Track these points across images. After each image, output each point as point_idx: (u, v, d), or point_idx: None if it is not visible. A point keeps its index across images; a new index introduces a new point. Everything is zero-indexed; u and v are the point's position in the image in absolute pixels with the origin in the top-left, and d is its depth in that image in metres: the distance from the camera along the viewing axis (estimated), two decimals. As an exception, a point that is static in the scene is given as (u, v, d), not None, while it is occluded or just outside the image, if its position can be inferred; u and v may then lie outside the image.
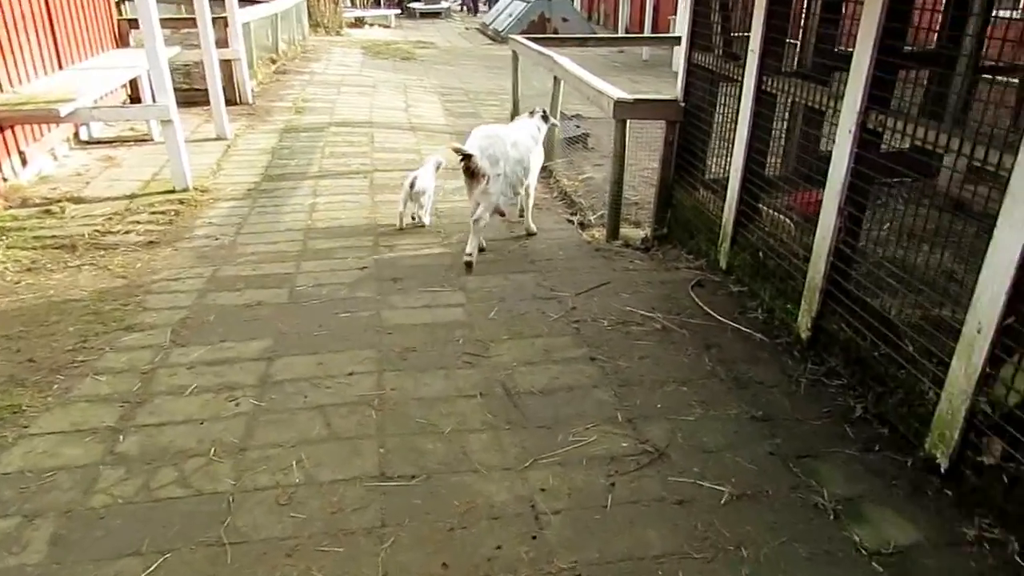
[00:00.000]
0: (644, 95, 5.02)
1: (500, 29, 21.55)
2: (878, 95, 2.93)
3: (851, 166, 3.05)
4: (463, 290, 4.22)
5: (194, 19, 8.09)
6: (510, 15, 21.98)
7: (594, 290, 4.19)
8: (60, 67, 7.18)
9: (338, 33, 20.42)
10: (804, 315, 3.42)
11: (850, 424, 2.89)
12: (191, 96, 9.59)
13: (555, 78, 7.22)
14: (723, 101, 4.53)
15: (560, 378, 3.22)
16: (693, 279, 4.32)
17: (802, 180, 4.12)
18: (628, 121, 5.03)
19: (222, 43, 9.26)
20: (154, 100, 6.17)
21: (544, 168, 7.17)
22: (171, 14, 12.44)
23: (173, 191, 6.20)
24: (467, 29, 24.60)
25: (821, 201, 4.50)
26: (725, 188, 4.42)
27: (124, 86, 8.83)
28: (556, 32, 19.97)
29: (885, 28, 2.83)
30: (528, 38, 9.07)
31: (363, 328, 3.71)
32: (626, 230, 5.42)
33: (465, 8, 31.19)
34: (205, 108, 8.73)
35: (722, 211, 4.35)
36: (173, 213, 5.70)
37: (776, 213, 3.92)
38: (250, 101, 9.86)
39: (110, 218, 5.57)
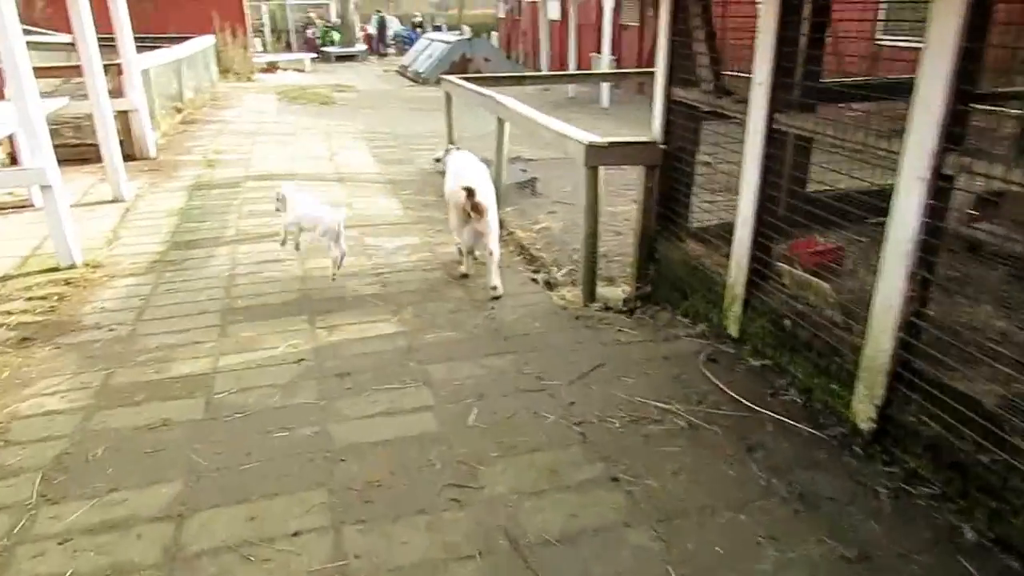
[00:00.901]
0: (617, 138, 4.38)
1: (421, 71, 21.00)
2: (956, 132, 2.35)
3: (924, 221, 2.45)
4: (428, 385, 3.41)
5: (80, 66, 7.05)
6: (430, 56, 21.48)
7: (590, 375, 3.45)
8: (-88, 125, 6.02)
9: (250, 79, 19.36)
10: (863, 401, 2.77)
11: (966, 555, 2.23)
12: (83, 152, 8.47)
13: (499, 120, 6.58)
14: (714, 141, 3.96)
15: (580, 515, 2.45)
16: (701, 351, 3.65)
17: (819, 226, 3.57)
18: (600, 168, 4.37)
19: (117, 92, 8.22)
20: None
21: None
22: (61, 60, 11.29)
23: (57, 268, 5.15)
24: (385, 72, 23.96)
25: (832, 251, 3.98)
26: (726, 241, 3.81)
27: (1, 144, 7.65)
28: (479, 72, 19.59)
29: (965, 49, 2.25)
30: (463, 78, 8.44)
31: (307, 454, 2.83)
32: (602, 289, 4.73)
33: (371, 51, 30.32)
34: (99, 165, 7.62)
35: (726, 268, 3.72)
36: (56, 298, 4.67)
37: (802, 272, 3.30)
38: (153, 155, 8.80)
39: (-27, 309, 4.50)
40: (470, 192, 4.52)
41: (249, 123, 11.89)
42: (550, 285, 5.03)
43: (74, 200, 6.86)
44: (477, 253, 5.09)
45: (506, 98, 6.37)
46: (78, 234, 5.34)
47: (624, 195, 7.55)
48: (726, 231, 3.99)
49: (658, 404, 3.13)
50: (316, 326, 4.19)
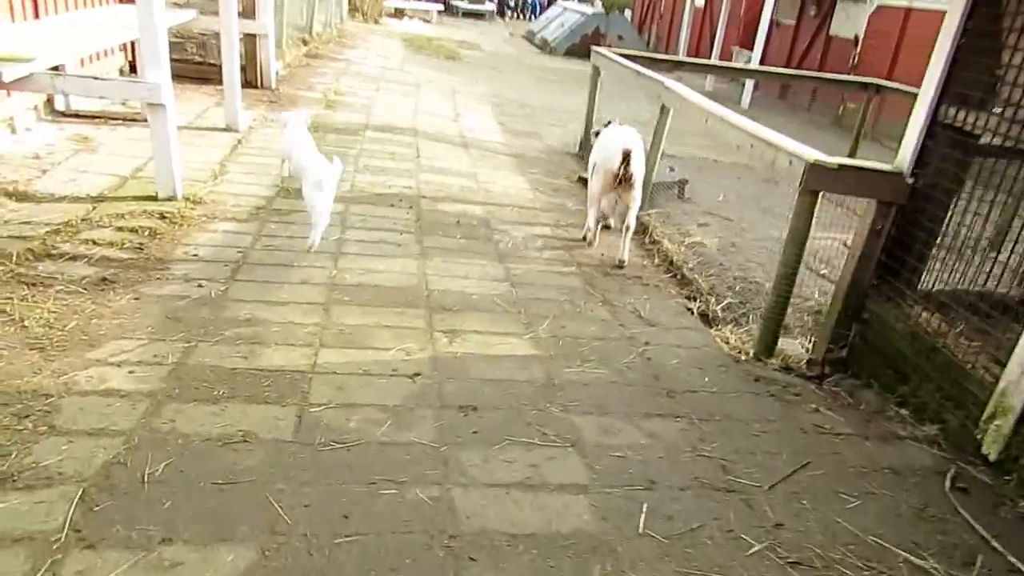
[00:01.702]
0: (851, 160, 3.40)
1: (550, 39, 20.04)
2: None
3: None
4: (578, 449, 2.60)
5: (216, -21, 6.49)
6: (562, 25, 20.47)
7: (794, 479, 2.56)
8: (36, 16, 5.58)
9: (376, 21, 18.92)
10: None
11: None
12: (204, 71, 8.02)
13: (662, 108, 5.65)
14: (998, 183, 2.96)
15: None
16: (943, 471, 2.70)
17: None
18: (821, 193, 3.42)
19: (248, 13, 7.67)
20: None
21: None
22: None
23: (155, 198, 4.59)
24: (511, 35, 23.10)
25: None
26: (988, 319, 2.84)
27: (123, 49, 7.24)
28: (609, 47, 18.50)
29: None
30: (618, 53, 7.50)
31: (423, 536, 2.07)
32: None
33: (515, 13, 29.56)
34: (218, 88, 7.10)
35: (997, 365, 2.74)
36: (147, 233, 4.09)
37: None
38: (273, 86, 8.26)
39: (58, 230, 3.96)
40: (626, 157, 4.33)
41: (373, 67, 11.29)
42: (708, 320, 4.14)
43: (185, 122, 6.36)
44: (611, 222, 5.09)
45: (678, 84, 5.43)
46: (186, 160, 4.76)
47: (782, 215, 6.53)
48: (993, 307, 3.01)
49: (906, 555, 2.22)
50: (434, 327, 3.44)
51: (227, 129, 6.41)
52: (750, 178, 7.69)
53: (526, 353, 3.31)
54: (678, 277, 4.70)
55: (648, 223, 5.51)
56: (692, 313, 4.18)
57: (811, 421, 3.01)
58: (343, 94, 8.75)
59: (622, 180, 4.42)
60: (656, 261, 4.94)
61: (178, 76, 7.86)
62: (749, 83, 14.02)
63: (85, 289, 3.37)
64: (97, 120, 6.10)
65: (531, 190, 6.18)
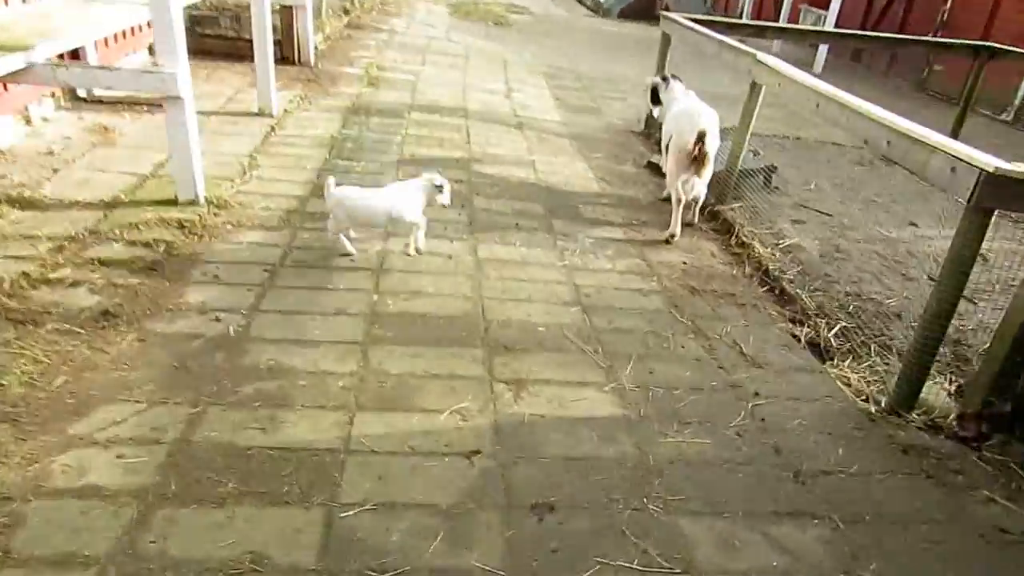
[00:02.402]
0: (1039, 167, 2.60)
1: (602, 0, 18.91)
2: None
3: None
4: (693, 576, 1.95)
5: (245, -55, 5.84)
6: (615, -16, 19.27)
7: (998, 631, 1.87)
8: (47, -7, 5.03)
9: (421, -15, 18.02)
10: None
11: None
12: (240, 48, 7.42)
13: (752, 85, 4.83)
14: None
15: None
16: None
17: None
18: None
19: (284, -17, 7.04)
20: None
21: (714, 216, 4.85)
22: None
23: (174, 202, 4.04)
24: (561, -5, 21.94)
25: None
26: None
27: (151, 27, 6.68)
28: (667, 10, 17.31)
29: None
30: (689, 18, 6.65)
31: None
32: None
33: None
34: (254, 66, 6.49)
35: None
36: (163, 248, 3.54)
37: None
38: (311, 63, 7.63)
39: (61, 247, 3.44)
40: (701, 138, 4.20)
41: (418, 36, 10.55)
42: (820, 351, 3.42)
43: (215, 106, 5.80)
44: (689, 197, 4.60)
45: (777, 60, 4.61)
46: (213, 150, 4.19)
47: (889, 207, 5.67)
48: None
49: None
50: (495, 376, 2.81)
51: (260, 114, 5.82)
52: (841, 160, 6.80)
53: (610, 414, 2.65)
54: (776, 292, 3.97)
55: (733, 220, 4.75)
56: (800, 342, 3.46)
57: (989, 519, 2.30)
58: (386, 69, 8.07)
59: (696, 159, 4.29)
60: (747, 270, 4.19)
61: (211, 53, 7.32)
62: (823, 46, 12.83)
63: (82, 328, 2.83)
64: (120, 107, 5.57)
65: (596, 180, 5.45)
